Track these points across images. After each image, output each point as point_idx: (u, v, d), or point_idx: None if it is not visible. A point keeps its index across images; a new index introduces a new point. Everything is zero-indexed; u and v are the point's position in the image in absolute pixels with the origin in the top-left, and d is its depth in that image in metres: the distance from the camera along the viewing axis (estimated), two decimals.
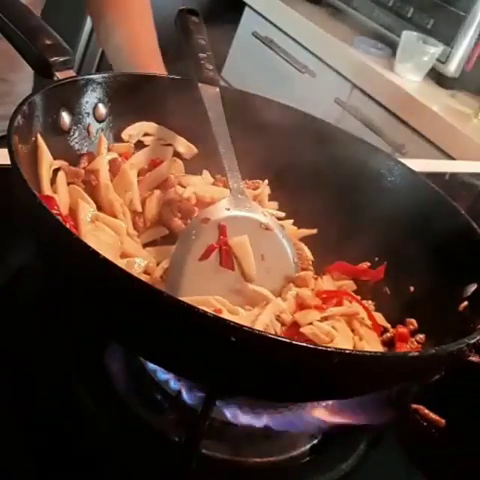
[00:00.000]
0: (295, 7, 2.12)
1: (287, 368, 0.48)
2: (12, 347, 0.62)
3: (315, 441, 0.62)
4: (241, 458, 0.58)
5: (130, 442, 0.58)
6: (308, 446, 0.61)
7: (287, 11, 2.10)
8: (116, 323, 0.53)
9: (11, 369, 0.60)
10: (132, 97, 0.75)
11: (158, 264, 0.67)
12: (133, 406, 0.59)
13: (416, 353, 0.54)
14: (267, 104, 0.80)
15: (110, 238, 0.65)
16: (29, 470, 0.53)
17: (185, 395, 0.60)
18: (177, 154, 0.79)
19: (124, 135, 0.76)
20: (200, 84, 0.73)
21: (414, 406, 0.66)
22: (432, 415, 0.65)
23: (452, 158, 1.64)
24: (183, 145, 0.79)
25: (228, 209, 0.67)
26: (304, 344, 0.47)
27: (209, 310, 0.48)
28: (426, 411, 0.65)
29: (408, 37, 1.84)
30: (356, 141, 0.80)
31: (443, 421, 0.65)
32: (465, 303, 0.63)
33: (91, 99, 0.72)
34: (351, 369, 0.48)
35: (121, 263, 0.65)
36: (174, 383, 0.60)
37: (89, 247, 0.48)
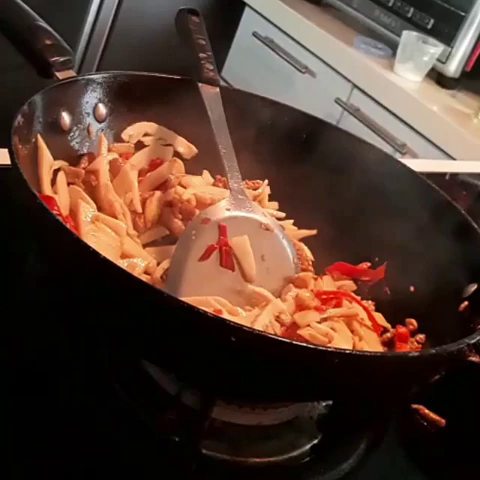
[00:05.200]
0: (295, 7, 2.12)
1: (287, 368, 0.48)
2: (12, 347, 0.62)
3: (315, 441, 0.62)
4: (241, 458, 0.58)
5: (130, 442, 0.58)
6: (308, 446, 0.61)
7: (287, 11, 2.10)
8: (116, 323, 0.53)
9: (11, 369, 0.60)
10: (132, 97, 0.75)
11: (158, 264, 0.67)
12: (133, 406, 0.59)
13: (416, 353, 0.54)
14: (267, 104, 0.80)
15: (110, 238, 0.65)
16: (29, 470, 0.53)
17: (185, 395, 0.60)
18: (177, 154, 0.79)
19: (124, 135, 0.76)
20: (200, 84, 0.73)
21: (414, 406, 0.66)
22: (432, 415, 0.65)
23: (452, 158, 1.64)
24: (183, 145, 0.79)
25: (228, 209, 0.67)
26: (304, 344, 0.47)
27: (209, 310, 0.49)
28: (426, 411, 0.65)
29: (408, 37, 1.84)
30: (356, 141, 0.80)
31: (443, 421, 0.65)
32: (465, 303, 0.63)
33: (91, 99, 0.72)
34: (351, 369, 0.49)
35: (122, 264, 0.65)
36: (174, 383, 0.60)
37: (89, 247, 0.48)
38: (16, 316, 0.65)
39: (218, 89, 0.73)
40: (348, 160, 0.78)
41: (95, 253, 0.48)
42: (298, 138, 0.80)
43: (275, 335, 0.56)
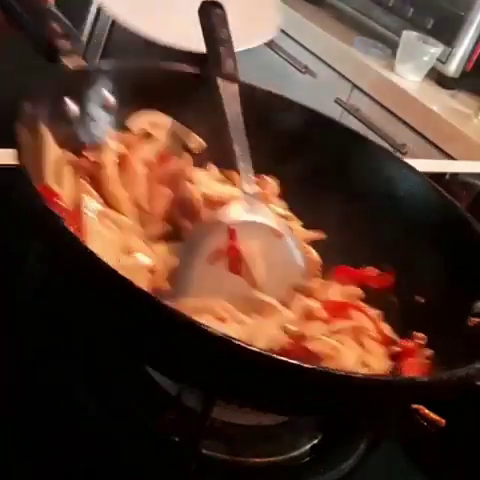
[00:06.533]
0: (295, 7, 2.12)
1: (272, 382, 0.46)
2: (12, 347, 0.62)
3: (315, 441, 0.62)
4: (241, 458, 0.58)
5: (130, 442, 0.58)
6: (308, 446, 0.61)
7: (287, 11, 2.10)
8: (110, 323, 0.53)
9: (11, 369, 0.60)
10: (141, 88, 0.72)
11: (162, 262, 0.66)
12: (133, 406, 0.59)
13: (425, 378, 0.52)
14: (282, 103, 0.78)
15: (114, 233, 0.63)
16: (29, 470, 0.53)
17: (185, 395, 0.60)
18: (186, 148, 0.76)
19: (133, 127, 0.73)
20: (219, 80, 0.70)
21: (414, 406, 0.66)
22: (432, 415, 0.65)
23: (452, 158, 1.64)
24: (192, 139, 0.77)
25: (240, 213, 0.65)
26: (284, 359, 0.44)
27: (211, 317, 0.47)
28: (426, 411, 0.65)
29: (408, 37, 1.83)
30: (366, 143, 0.79)
31: (443, 421, 0.65)
32: (475, 319, 0.62)
33: (100, 89, 0.69)
34: (350, 391, 0.47)
35: (125, 260, 0.63)
36: (174, 384, 0.60)
37: (79, 239, 0.47)
38: (16, 316, 0.65)
39: (237, 86, 0.71)
40: (357, 162, 0.77)
41: (85, 247, 0.46)
42: (306, 139, 0.78)
43: (250, 346, 0.46)
